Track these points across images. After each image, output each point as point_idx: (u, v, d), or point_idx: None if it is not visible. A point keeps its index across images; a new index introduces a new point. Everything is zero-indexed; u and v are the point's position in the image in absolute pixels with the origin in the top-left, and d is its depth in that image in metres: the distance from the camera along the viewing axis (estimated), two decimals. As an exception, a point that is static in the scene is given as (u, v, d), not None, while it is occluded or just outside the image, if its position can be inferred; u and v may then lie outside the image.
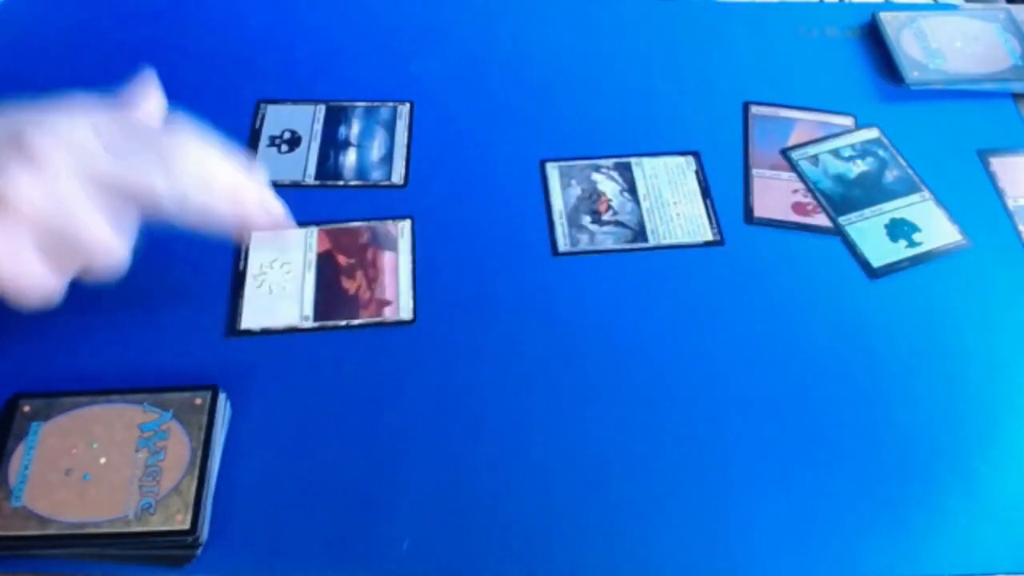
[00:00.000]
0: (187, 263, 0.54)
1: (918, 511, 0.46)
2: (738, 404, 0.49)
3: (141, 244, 0.48)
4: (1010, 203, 0.59)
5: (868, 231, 0.57)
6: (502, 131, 0.62)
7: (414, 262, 0.54)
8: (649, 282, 0.54)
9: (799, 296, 0.54)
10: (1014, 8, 0.70)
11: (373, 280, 0.53)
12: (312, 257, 0.53)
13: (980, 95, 0.65)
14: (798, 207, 0.58)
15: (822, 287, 0.54)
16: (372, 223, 0.56)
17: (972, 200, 0.59)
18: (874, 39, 0.69)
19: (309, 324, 0.51)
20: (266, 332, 0.51)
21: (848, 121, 0.63)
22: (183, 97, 0.64)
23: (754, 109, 0.63)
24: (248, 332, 0.51)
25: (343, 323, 0.51)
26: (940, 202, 0.58)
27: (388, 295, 0.52)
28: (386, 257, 0.54)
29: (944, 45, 0.67)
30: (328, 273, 0.53)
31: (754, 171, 0.60)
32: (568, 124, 0.62)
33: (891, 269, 0.55)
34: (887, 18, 0.69)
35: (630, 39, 0.68)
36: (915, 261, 0.55)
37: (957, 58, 0.66)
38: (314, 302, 0.52)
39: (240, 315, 0.51)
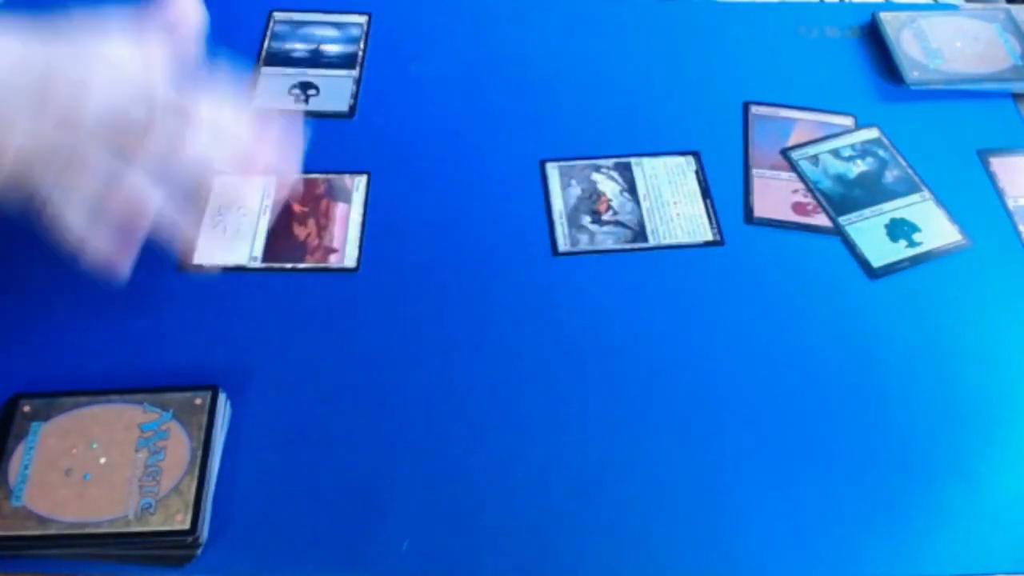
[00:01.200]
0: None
1: (918, 511, 0.46)
2: (738, 404, 0.49)
3: None
4: (1010, 203, 0.59)
5: (868, 231, 0.57)
6: (502, 131, 0.62)
7: (365, 215, 0.56)
8: (649, 282, 0.54)
9: (799, 296, 0.54)
10: (1014, 8, 0.70)
11: (323, 228, 0.55)
12: (268, 203, 0.56)
13: (980, 95, 0.65)
14: (798, 207, 0.58)
15: (822, 287, 0.54)
16: (329, 175, 0.58)
17: (972, 200, 0.59)
18: (874, 39, 0.69)
19: (256, 264, 0.54)
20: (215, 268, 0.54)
21: (848, 121, 0.63)
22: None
23: (754, 109, 0.63)
24: (199, 267, 0.53)
25: (288, 266, 0.54)
26: (940, 202, 0.58)
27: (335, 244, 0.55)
28: (338, 209, 0.56)
29: (944, 45, 0.67)
30: (282, 219, 0.56)
31: (754, 171, 0.60)
32: (568, 124, 0.62)
33: (891, 269, 0.55)
34: (887, 18, 0.69)
35: (630, 39, 0.68)
36: (915, 261, 0.55)
37: (957, 58, 0.66)
38: (264, 244, 0.54)
39: (193, 251, 0.54)
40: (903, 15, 0.70)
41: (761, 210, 0.57)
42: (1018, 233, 0.57)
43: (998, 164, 0.61)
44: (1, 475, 0.43)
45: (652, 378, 0.50)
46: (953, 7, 0.72)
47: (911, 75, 0.65)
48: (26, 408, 0.46)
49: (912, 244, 0.56)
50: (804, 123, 0.63)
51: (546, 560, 0.44)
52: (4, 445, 0.44)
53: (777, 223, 0.57)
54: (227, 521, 0.44)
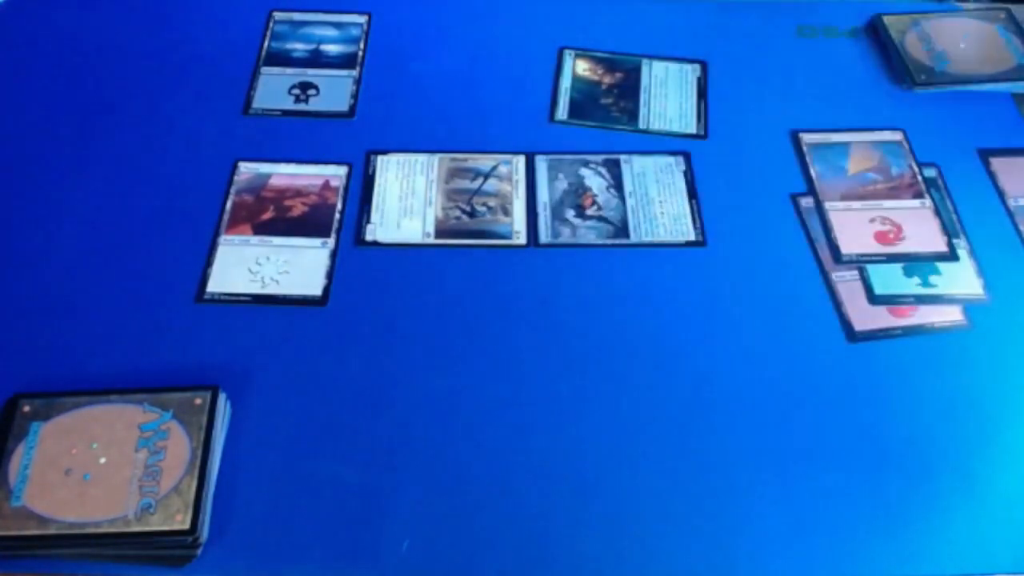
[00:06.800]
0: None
1: (919, 511, 0.46)
2: (737, 405, 0.49)
3: (125, 222, 0.55)
4: (1010, 203, 0.59)
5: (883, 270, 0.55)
6: (502, 130, 0.62)
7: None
8: (629, 279, 0.54)
9: (791, 300, 0.54)
10: (1015, 8, 0.70)
11: None
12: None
13: (981, 95, 0.65)
14: (880, 235, 0.56)
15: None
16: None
17: (972, 200, 0.59)
18: (875, 39, 0.69)
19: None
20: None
21: (898, 136, 0.61)
22: (178, 92, 0.64)
23: (806, 137, 0.61)
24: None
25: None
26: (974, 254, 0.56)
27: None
28: None
29: (948, 47, 0.67)
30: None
31: (827, 205, 0.58)
32: (567, 124, 0.62)
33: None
34: (890, 21, 0.69)
35: (629, 38, 0.68)
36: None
37: (962, 59, 0.66)
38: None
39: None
40: (905, 17, 0.69)
41: (848, 246, 0.56)
42: (1018, 233, 0.57)
43: (998, 164, 0.61)
44: (1, 475, 0.43)
45: (642, 375, 0.50)
46: (955, 7, 0.72)
47: (918, 79, 0.65)
48: (26, 408, 0.46)
49: (926, 284, 0.55)
50: (859, 145, 0.61)
51: (546, 560, 0.44)
52: (4, 445, 0.44)
53: (867, 258, 0.55)
54: (227, 521, 0.44)
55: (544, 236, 0.55)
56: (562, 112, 0.57)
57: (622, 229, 0.56)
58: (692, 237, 0.56)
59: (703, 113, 0.61)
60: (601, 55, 0.64)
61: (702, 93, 0.62)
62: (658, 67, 0.63)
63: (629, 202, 0.56)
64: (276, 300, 0.53)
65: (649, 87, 0.62)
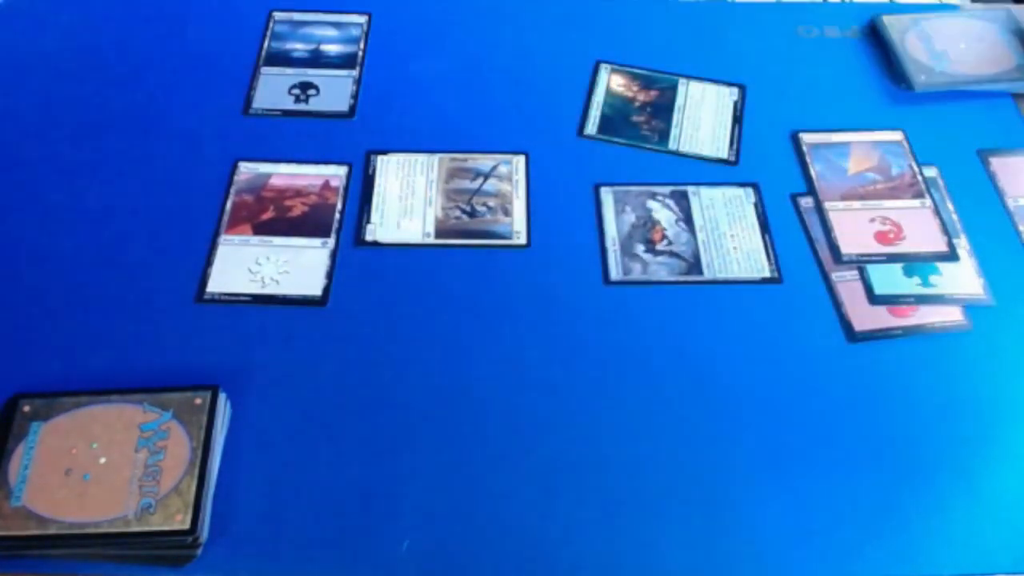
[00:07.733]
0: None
1: (918, 511, 0.46)
2: (740, 405, 0.49)
3: (125, 222, 0.55)
4: (1010, 203, 0.59)
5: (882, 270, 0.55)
6: (503, 130, 0.62)
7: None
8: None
9: (796, 298, 0.54)
10: (1015, 8, 0.70)
11: None
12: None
13: (980, 95, 0.65)
14: (880, 236, 0.56)
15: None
16: None
17: (972, 200, 0.59)
18: (875, 39, 0.69)
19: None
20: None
21: (898, 136, 0.61)
22: (178, 92, 0.64)
23: (806, 138, 0.61)
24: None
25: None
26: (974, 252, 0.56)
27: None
28: None
29: (949, 47, 0.67)
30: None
31: (827, 204, 0.57)
32: (571, 124, 0.62)
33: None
34: (889, 21, 0.69)
35: (629, 38, 0.68)
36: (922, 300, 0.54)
37: (962, 60, 0.66)
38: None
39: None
40: (905, 18, 0.69)
41: (848, 246, 0.55)
42: (1018, 233, 0.57)
43: (998, 164, 0.61)
44: (1, 475, 0.43)
45: (656, 384, 0.50)
46: (954, 7, 0.72)
47: (918, 79, 0.65)
48: (26, 408, 0.46)
49: (926, 284, 0.55)
50: (859, 145, 0.61)
51: (546, 560, 0.44)
52: (4, 445, 0.44)
53: (867, 258, 0.55)
54: (227, 521, 0.44)
55: (615, 273, 0.54)
56: (592, 127, 0.55)
57: (695, 265, 0.54)
58: (767, 274, 0.55)
59: (735, 139, 0.60)
60: (638, 71, 0.63)
61: (738, 118, 0.61)
62: (695, 87, 0.62)
63: (699, 236, 0.54)
64: (276, 300, 0.53)
65: (684, 107, 0.61)
